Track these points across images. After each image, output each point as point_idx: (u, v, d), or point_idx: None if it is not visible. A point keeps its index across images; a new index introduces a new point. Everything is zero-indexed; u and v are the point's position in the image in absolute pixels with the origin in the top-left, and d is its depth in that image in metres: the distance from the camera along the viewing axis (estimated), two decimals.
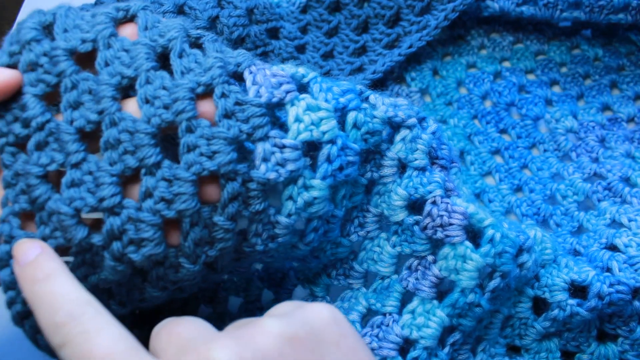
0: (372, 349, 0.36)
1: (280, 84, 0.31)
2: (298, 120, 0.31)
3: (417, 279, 0.37)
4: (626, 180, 0.47)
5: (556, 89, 0.56)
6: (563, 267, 0.39)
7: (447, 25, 0.55)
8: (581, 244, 0.44)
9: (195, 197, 0.29)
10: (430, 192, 0.36)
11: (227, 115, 0.30)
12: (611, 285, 0.38)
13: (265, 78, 0.31)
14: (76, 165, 0.29)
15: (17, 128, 0.29)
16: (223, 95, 0.30)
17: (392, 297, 0.37)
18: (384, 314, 0.37)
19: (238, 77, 0.32)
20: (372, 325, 0.37)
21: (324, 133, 0.32)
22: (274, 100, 0.31)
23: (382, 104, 0.35)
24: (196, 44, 0.32)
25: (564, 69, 0.56)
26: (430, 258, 0.37)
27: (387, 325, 0.36)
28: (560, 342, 0.41)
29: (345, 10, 0.54)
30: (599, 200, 0.47)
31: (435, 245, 0.37)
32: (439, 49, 0.56)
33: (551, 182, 0.50)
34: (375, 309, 0.38)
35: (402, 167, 0.37)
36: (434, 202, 0.36)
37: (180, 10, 0.47)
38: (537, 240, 0.39)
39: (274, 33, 0.52)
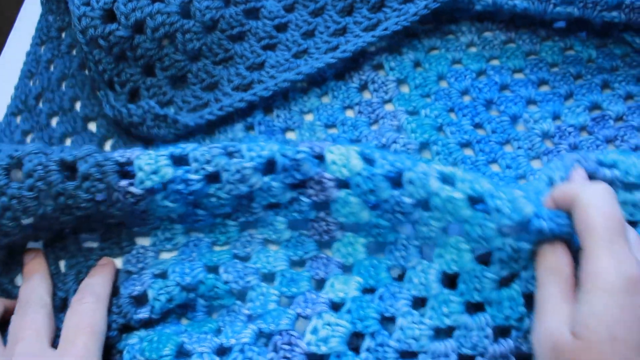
0: None
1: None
2: (141, 169, 0.39)
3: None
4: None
5: (545, 88, 0.52)
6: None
7: (438, 20, 0.54)
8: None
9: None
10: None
11: (85, 177, 0.39)
12: None
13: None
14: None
15: None
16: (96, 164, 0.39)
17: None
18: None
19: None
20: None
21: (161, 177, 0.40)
22: (122, 160, 0.40)
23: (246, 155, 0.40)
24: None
25: (555, 69, 0.52)
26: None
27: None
28: (521, 286, 0.36)
29: None
30: None
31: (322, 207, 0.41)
32: (425, 42, 0.54)
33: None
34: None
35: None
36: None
37: None
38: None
39: (254, 13, 0.53)
